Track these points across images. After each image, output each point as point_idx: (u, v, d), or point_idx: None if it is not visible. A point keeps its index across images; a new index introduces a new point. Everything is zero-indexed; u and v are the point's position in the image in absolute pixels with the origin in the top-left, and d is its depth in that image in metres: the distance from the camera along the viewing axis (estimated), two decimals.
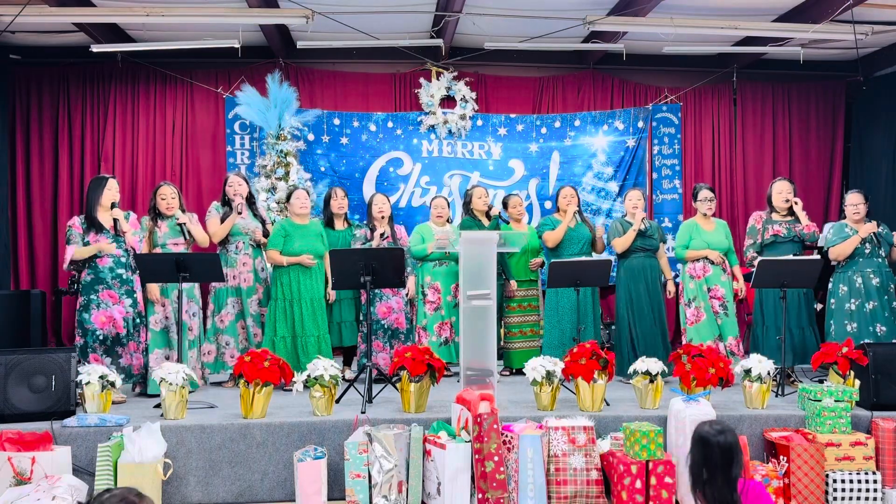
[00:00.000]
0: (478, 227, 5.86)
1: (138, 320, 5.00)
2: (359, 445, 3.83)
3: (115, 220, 4.93)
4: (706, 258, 5.57)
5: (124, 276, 4.95)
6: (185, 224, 5.18)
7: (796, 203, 5.59)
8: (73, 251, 4.85)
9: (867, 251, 5.42)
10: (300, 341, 5.30)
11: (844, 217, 5.57)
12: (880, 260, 5.44)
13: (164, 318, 5.12)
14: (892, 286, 5.43)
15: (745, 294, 5.78)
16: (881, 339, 5.27)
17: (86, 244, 4.88)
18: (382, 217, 5.72)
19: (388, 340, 5.60)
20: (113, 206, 4.99)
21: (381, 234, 5.59)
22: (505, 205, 6.27)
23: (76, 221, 4.94)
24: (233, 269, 5.39)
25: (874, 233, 5.39)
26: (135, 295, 5.00)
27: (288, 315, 5.32)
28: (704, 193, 5.72)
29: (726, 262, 5.63)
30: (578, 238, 5.85)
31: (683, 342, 5.60)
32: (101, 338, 4.84)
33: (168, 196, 5.22)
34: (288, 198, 5.71)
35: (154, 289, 5.08)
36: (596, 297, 5.81)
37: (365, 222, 5.88)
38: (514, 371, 6.00)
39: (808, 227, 5.53)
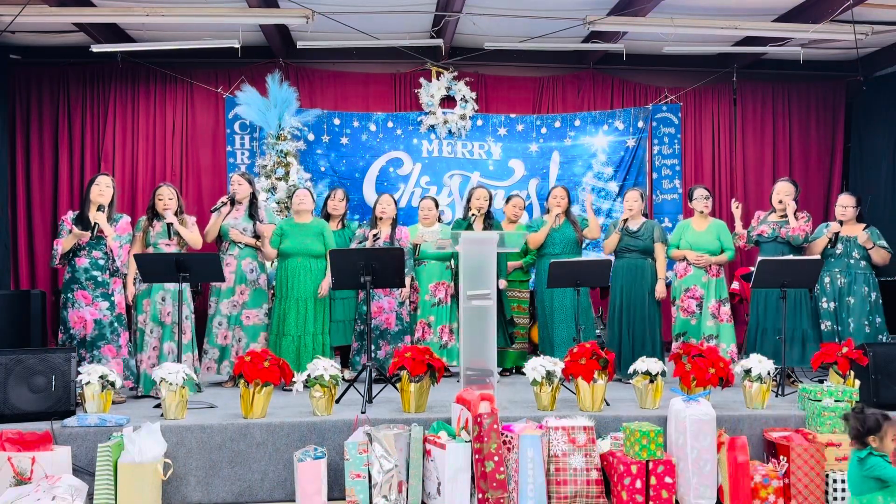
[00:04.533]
0: (459, 228, 5.86)
1: (116, 324, 4.89)
2: (359, 445, 3.83)
3: (94, 223, 4.86)
4: (685, 258, 5.61)
5: (99, 279, 4.87)
6: (171, 224, 5.15)
7: (789, 205, 5.59)
8: (60, 244, 4.84)
9: (838, 252, 5.49)
10: (284, 340, 5.33)
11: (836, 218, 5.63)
12: (852, 261, 5.48)
13: (145, 321, 5.09)
14: (865, 289, 5.45)
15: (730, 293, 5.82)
16: (825, 335, 5.42)
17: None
18: (383, 217, 5.70)
19: (375, 341, 5.56)
20: (100, 207, 4.93)
21: (375, 235, 5.56)
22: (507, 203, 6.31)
23: (68, 217, 4.94)
24: None
25: (834, 234, 5.44)
26: (112, 298, 4.91)
27: (279, 313, 5.37)
28: (700, 192, 5.77)
29: (703, 260, 5.55)
30: (560, 239, 5.84)
31: (671, 341, 5.65)
32: (75, 337, 4.81)
33: (165, 197, 5.20)
34: (290, 196, 5.73)
35: (130, 291, 5.07)
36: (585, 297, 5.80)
37: (366, 221, 5.88)
38: (513, 371, 5.99)
39: (794, 229, 5.51)
